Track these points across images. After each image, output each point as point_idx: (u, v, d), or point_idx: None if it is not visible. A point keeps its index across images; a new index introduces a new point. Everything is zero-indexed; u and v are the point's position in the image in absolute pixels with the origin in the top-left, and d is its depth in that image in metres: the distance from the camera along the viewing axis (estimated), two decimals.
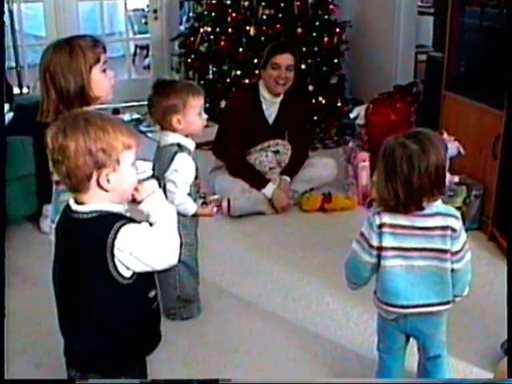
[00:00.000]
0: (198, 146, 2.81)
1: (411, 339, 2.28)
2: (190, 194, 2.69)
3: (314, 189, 4.22)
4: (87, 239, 1.63)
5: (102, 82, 2.24)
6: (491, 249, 3.53)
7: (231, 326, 2.88)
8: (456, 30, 3.85)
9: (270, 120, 4.14)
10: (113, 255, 1.60)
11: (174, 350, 2.66)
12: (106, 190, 1.63)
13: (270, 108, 4.12)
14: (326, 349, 2.71)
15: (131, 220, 1.67)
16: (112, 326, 1.70)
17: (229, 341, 2.77)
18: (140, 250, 1.62)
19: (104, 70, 2.26)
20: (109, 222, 1.61)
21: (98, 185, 1.61)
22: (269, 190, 4.02)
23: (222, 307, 3.02)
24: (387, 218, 2.05)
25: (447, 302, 2.14)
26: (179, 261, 2.71)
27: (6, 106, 3.78)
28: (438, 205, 2.05)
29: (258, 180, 4.06)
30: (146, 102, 2.79)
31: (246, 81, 5.14)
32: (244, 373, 2.56)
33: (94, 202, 1.64)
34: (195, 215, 2.75)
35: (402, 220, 2.04)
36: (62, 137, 1.58)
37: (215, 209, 2.82)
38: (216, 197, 2.92)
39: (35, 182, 3.75)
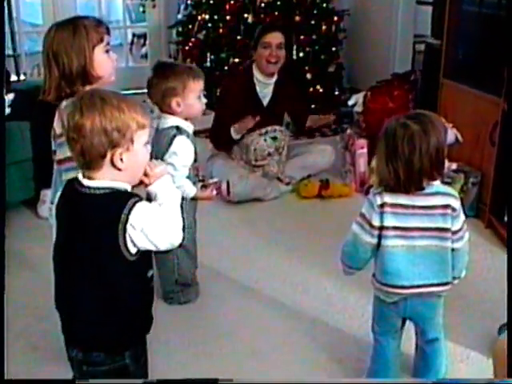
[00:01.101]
0: (196, 133, 2.80)
1: (407, 322, 2.28)
2: (188, 177, 2.69)
3: (311, 175, 4.23)
4: (99, 214, 1.63)
5: (104, 62, 2.23)
6: (488, 236, 3.54)
7: (229, 310, 2.89)
8: (454, 17, 3.84)
9: (265, 102, 4.14)
10: (125, 230, 1.60)
11: (171, 333, 2.67)
12: (119, 169, 1.63)
13: (264, 90, 4.12)
14: (323, 333, 2.72)
15: (142, 199, 1.68)
16: (117, 302, 1.70)
17: (226, 325, 2.78)
18: (150, 228, 1.64)
19: (107, 51, 2.25)
20: (123, 198, 1.63)
21: (112, 163, 1.62)
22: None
23: (219, 292, 3.02)
24: (388, 198, 2.05)
25: (446, 283, 2.15)
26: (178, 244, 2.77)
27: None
28: (437, 184, 2.06)
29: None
30: (143, 90, 2.78)
31: None
32: (241, 357, 2.56)
33: (106, 179, 1.64)
34: (194, 199, 2.75)
35: (402, 199, 2.05)
36: (78, 115, 1.59)
37: (214, 192, 2.82)
38: (215, 180, 2.92)
39: (32, 167, 3.75)
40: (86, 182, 1.65)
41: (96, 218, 1.64)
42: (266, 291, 3.03)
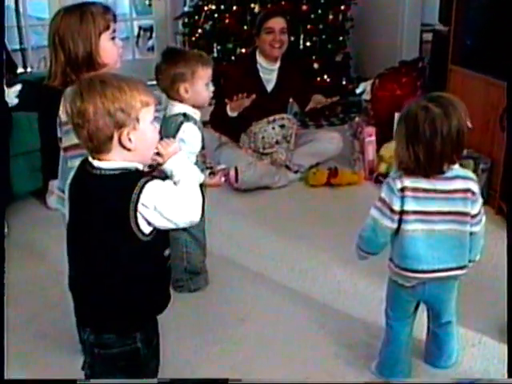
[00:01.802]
0: (203, 124, 2.79)
1: (420, 306, 2.27)
2: (196, 164, 2.68)
3: (319, 163, 4.21)
4: (110, 194, 1.63)
5: (110, 49, 2.22)
6: (498, 222, 3.50)
7: (238, 297, 2.89)
8: (462, 2, 3.81)
9: (269, 88, 4.13)
10: (136, 210, 1.60)
11: (181, 321, 2.67)
12: (129, 149, 1.63)
13: (268, 76, 4.11)
14: (332, 318, 2.71)
15: (155, 177, 1.68)
16: (130, 282, 1.70)
17: (236, 311, 2.78)
18: (164, 205, 1.63)
19: (113, 38, 2.24)
20: (134, 178, 1.62)
21: (121, 144, 1.62)
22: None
23: (229, 279, 3.02)
24: (408, 182, 2.03)
25: (464, 266, 2.14)
26: (187, 232, 2.77)
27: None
28: (456, 168, 2.05)
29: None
30: (150, 82, 2.77)
31: None
32: (251, 344, 2.56)
33: (118, 160, 1.64)
34: (202, 185, 2.74)
35: (423, 183, 2.03)
36: (79, 101, 1.58)
37: (223, 178, 2.81)
38: (223, 166, 2.92)
39: (40, 158, 3.75)
40: (96, 163, 1.65)
41: (107, 199, 1.63)
42: (275, 278, 3.03)
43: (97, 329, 1.74)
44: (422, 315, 2.34)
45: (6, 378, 2.01)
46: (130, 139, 1.61)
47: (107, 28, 2.20)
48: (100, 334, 1.74)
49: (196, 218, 1.71)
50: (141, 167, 1.69)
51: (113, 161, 1.64)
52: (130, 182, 1.62)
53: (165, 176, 1.75)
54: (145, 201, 1.60)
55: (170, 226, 1.67)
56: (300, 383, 2.41)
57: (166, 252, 1.81)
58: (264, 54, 4.05)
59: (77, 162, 1.77)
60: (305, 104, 4.26)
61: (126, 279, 1.69)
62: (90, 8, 2.19)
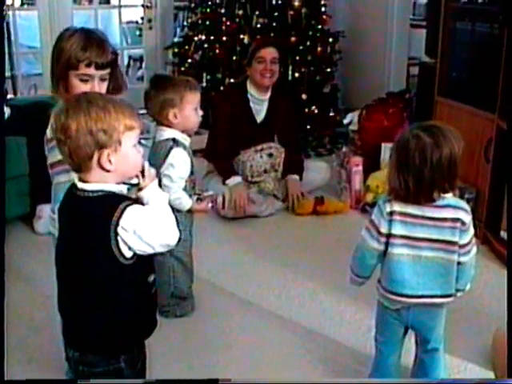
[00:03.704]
0: (192, 153, 2.81)
1: (409, 332, 2.28)
2: (185, 190, 2.70)
3: (304, 194, 4.19)
4: (92, 217, 1.64)
5: (75, 88, 2.14)
6: (484, 252, 3.52)
7: (225, 323, 2.88)
8: (448, 35, 3.87)
9: (259, 119, 4.16)
10: (116, 233, 1.61)
11: (168, 346, 2.66)
12: (108, 171, 1.64)
13: (258, 107, 4.14)
14: (320, 345, 2.71)
15: (136, 201, 1.70)
16: (112, 306, 1.70)
17: (223, 338, 2.77)
18: (143, 229, 1.64)
19: (83, 80, 2.14)
20: (115, 201, 1.63)
21: (99, 165, 1.63)
22: (232, 181, 3.99)
23: (215, 305, 3.02)
24: (397, 206, 2.06)
25: (450, 295, 2.15)
26: (174, 257, 2.77)
27: None
28: (449, 197, 2.06)
29: (226, 169, 4.06)
30: (140, 112, 2.79)
31: None
32: (238, 369, 2.55)
33: (97, 181, 1.65)
34: (190, 211, 2.75)
35: (412, 209, 2.05)
36: (64, 117, 1.60)
37: (210, 205, 2.83)
38: (211, 193, 2.94)
39: (29, 183, 3.76)
40: (80, 184, 1.66)
41: (89, 222, 1.65)
42: (262, 305, 3.03)
43: (81, 349, 1.75)
44: (410, 342, 2.34)
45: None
46: (110, 161, 1.62)
47: (75, 68, 2.11)
48: (83, 353, 1.74)
49: (173, 241, 1.72)
50: (122, 188, 1.70)
51: (93, 181, 1.65)
52: (110, 205, 1.63)
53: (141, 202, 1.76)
54: (125, 224, 1.61)
55: (149, 250, 1.68)
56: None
57: (151, 278, 1.80)
58: (255, 83, 4.08)
59: (62, 178, 1.82)
60: (286, 140, 4.25)
61: (109, 302, 1.70)
62: (81, 37, 2.11)
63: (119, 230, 1.61)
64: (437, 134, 1.98)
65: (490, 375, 2.42)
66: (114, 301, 1.70)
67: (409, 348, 2.36)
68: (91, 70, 2.11)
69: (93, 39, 2.12)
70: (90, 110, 1.60)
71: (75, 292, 1.72)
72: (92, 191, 1.65)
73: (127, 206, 1.63)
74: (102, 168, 1.63)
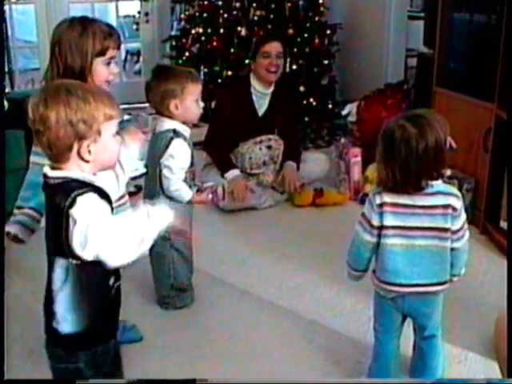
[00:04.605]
0: (193, 144, 2.81)
1: (407, 320, 2.28)
2: (185, 181, 2.69)
3: (305, 184, 4.21)
4: (51, 205, 1.60)
5: (100, 73, 2.24)
6: (483, 242, 3.54)
7: (225, 314, 2.88)
8: (446, 25, 3.87)
9: (260, 113, 4.14)
10: (67, 224, 1.54)
11: (167, 338, 2.67)
12: (87, 161, 1.61)
13: (261, 100, 4.12)
14: (320, 335, 2.71)
15: (100, 191, 1.61)
16: (72, 302, 1.67)
17: (223, 329, 2.77)
18: (92, 228, 1.53)
19: (108, 63, 2.26)
20: (70, 189, 1.56)
21: (79, 155, 1.60)
22: (230, 175, 3.98)
23: (215, 297, 3.01)
24: (388, 198, 2.06)
25: (445, 282, 2.15)
26: (174, 249, 2.77)
27: None
28: (438, 184, 2.06)
29: (224, 163, 4.05)
30: (138, 105, 2.79)
31: None
32: (238, 360, 2.55)
33: (73, 170, 1.61)
34: (190, 202, 2.75)
35: (403, 199, 2.06)
36: (42, 107, 1.56)
37: (210, 196, 2.83)
38: (211, 184, 2.93)
39: None
40: (48, 172, 1.62)
41: (50, 209, 1.61)
42: (262, 296, 3.03)
43: (49, 340, 1.76)
44: (409, 331, 2.34)
45: (6, 377, 2.01)
46: (89, 151, 1.59)
47: (103, 54, 2.21)
48: (52, 346, 1.75)
49: (125, 260, 1.58)
50: (96, 180, 1.63)
51: (67, 170, 1.61)
52: (65, 193, 1.55)
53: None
54: (75, 214, 1.53)
55: (91, 251, 1.55)
56: (282, 383, 2.41)
57: (111, 281, 1.72)
58: (259, 77, 4.05)
59: (35, 158, 1.89)
60: (286, 132, 4.23)
61: (68, 298, 1.66)
62: (94, 27, 2.20)
63: (70, 220, 1.53)
64: (422, 124, 1.98)
65: (491, 364, 2.41)
66: (73, 297, 1.66)
67: (409, 336, 2.36)
68: (115, 52, 2.26)
69: (104, 24, 2.25)
70: (69, 100, 1.56)
71: (47, 284, 1.71)
72: (53, 178, 1.61)
73: (79, 194, 1.54)
74: (81, 158, 1.60)
